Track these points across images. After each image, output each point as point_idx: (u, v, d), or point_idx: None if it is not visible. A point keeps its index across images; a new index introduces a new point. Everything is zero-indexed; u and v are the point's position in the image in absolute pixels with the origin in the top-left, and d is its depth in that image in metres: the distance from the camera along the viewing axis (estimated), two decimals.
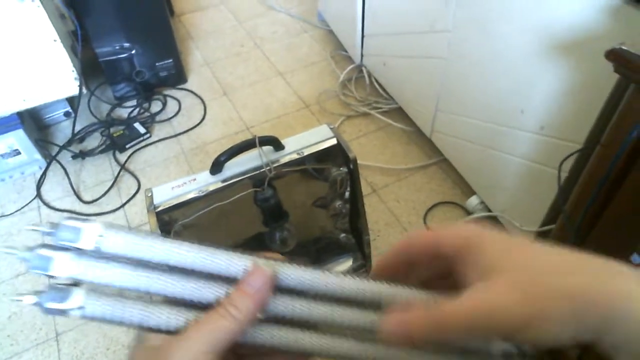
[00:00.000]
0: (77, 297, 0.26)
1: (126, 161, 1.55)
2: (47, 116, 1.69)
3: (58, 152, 1.54)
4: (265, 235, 1.01)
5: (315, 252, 1.08)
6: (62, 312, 0.25)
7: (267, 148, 0.90)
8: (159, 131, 1.65)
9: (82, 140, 1.63)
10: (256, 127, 1.63)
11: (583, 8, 0.79)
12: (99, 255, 0.26)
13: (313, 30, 2.03)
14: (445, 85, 1.28)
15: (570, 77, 0.88)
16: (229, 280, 0.27)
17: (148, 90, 1.79)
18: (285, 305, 0.28)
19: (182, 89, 1.80)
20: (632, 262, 0.71)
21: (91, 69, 1.71)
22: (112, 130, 1.63)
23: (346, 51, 1.83)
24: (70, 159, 1.56)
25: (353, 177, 0.96)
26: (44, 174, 1.53)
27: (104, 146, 1.59)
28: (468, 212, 1.30)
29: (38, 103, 1.44)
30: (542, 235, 1.07)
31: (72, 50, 1.49)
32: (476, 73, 1.14)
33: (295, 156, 0.90)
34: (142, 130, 1.62)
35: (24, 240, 1.36)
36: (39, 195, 1.47)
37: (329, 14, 1.94)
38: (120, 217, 1.40)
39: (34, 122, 1.64)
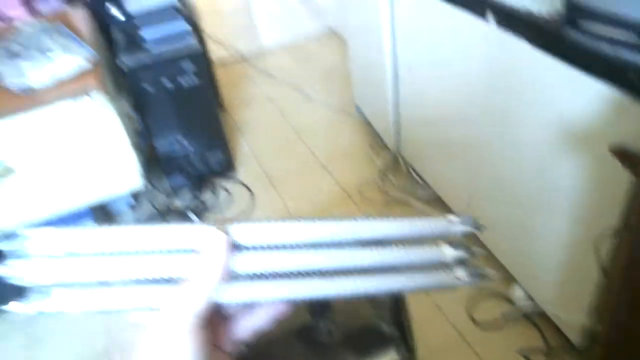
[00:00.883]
0: (57, 295, 0.29)
1: None
2: (114, 208, 1.83)
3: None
4: (311, 326, 1.04)
5: (361, 343, 1.10)
6: (45, 312, 0.29)
7: None
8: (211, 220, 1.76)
9: None
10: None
11: (591, 103, 0.85)
12: (66, 254, 0.29)
13: (352, 121, 2.16)
14: (478, 173, 1.34)
15: (591, 166, 0.91)
16: (188, 252, 0.30)
17: (200, 180, 1.93)
18: (249, 262, 0.30)
19: (231, 179, 1.94)
20: None
21: (150, 162, 1.88)
22: (168, 220, 1.75)
23: (383, 140, 1.94)
24: None
25: None
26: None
27: None
28: (512, 303, 1.29)
29: (108, 196, 1.58)
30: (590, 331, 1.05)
31: (137, 147, 1.66)
32: (506, 161, 1.20)
33: None
34: (195, 219, 1.73)
35: (92, 323, 1.45)
36: None
37: (365, 106, 2.08)
38: None
39: (102, 214, 1.78)
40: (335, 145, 2.04)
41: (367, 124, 2.08)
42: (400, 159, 1.81)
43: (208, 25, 2.30)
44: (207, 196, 1.87)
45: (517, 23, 1.00)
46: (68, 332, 1.44)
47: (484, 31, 1.10)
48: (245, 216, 1.75)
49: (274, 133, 2.17)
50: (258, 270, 0.31)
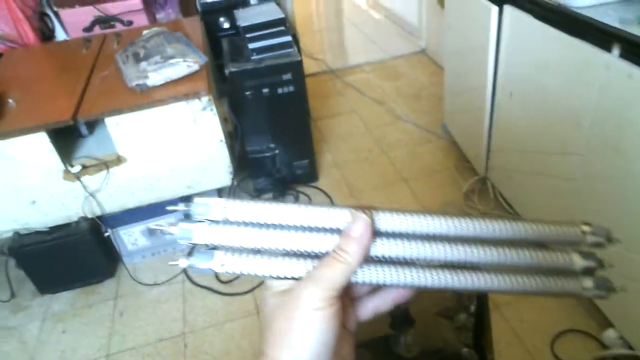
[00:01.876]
0: (219, 257, 0.32)
1: None
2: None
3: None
4: (390, 338, 1.04)
5: None
6: (209, 270, 0.32)
7: None
8: None
9: None
10: None
11: None
12: (227, 222, 0.32)
13: (437, 141, 2.15)
14: (576, 206, 1.27)
15: None
16: (333, 231, 0.32)
17: (283, 185, 2.00)
18: (384, 247, 0.32)
19: (313, 186, 1.99)
20: None
21: (239, 163, 1.99)
22: None
23: (470, 163, 1.90)
24: None
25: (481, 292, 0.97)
26: (191, 252, 1.75)
27: None
28: (604, 346, 1.21)
29: (199, 190, 1.70)
30: None
31: (230, 148, 1.77)
32: (612, 196, 1.13)
33: None
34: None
35: (170, 309, 1.55)
36: (185, 270, 1.68)
37: (453, 127, 2.05)
38: (250, 300, 1.53)
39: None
40: (418, 163, 2.03)
41: (454, 145, 2.05)
42: (488, 183, 1.76)
43: (302, 41, 2.40)
44: (288, 201, 1.93)
45: None
46: (149, 312, 1.55)
47: (605, 62, 1.06)
48: None
49: (358, 145, 2.20)
50: (392, 255, 0.33)
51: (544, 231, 0.34)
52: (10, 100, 1.50)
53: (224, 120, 1.90)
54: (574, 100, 1.19)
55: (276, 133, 1.92)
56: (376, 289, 0.36)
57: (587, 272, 0.35)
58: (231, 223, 0.33)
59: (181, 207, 0.33)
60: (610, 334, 1.19)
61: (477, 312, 1.06)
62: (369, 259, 0.33)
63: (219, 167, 1.68)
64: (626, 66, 1.00)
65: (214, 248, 0.33)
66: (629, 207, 1.08)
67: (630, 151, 1.04)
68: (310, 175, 2.02)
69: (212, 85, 1.71)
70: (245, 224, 0.33)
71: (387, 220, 0.33)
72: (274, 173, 1.99)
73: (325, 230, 0.33)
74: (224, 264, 0.32)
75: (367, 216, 0.32)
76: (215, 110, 1.58)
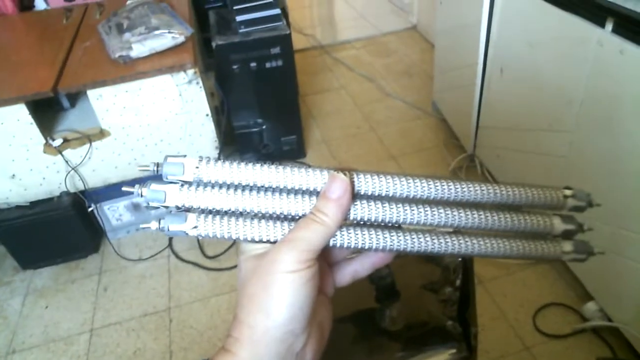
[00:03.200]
0: (191, 219, 0.31)
1: None
2: None
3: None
4: (375, 311, 1.05)
5: (421, 336, 1.09)
6: (181, 233, 0.31)
7: None
8: None
9: None
10: None
11: None
12: (200, 183, 0.31)
13: (427, 118, 2.13)
14: (564, 183, 1.27)
15: None
16: (310, 193, 0.31)
17: (272, 161, 1.98)
18: (364, 209, 0.31)
19: (300, 162, 1.98)
20: None
21: (226, 138, 1.96)
22: None
23: (458, 140, 1.90)
24: None
25: (467, 265, 0.98)
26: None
27: None
28: (584, 318, 1.23)
29: None
30: None
31: (216, 123, 1.74)
32: (600, 173, 1.13)
33: None
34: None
35: (155, 284, 1.54)
36: (170, 245, 1.67)
37: (443, 104, 2.04)
38: (236, 275, 1.53)
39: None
40: (407, 139, 2.02)
41: (443, 123, 2.04)
42: (476, 161, 1.76)
43: (292, 16, 2.35)
44: None
45: None
46: (134, 287, 1.54)
47: (598, 37, 1.04)
48: None
49: (346, 122, 2.19)
50: (372, 218, 0.32)
51: (525, 195, 0.34)
52: None
53: (210, 95, 1.87)
54: (566, 77, 1.19)
55: (264, 108, 1.89)
56: (355, 253, 0.35)
57: (567, 235, 0.34)
58: (205, 184, 0.31)
59: (151, 167, 0.31)
60: (590, 307, 1.21)
61: (462, 285, 1.06)
62: (348, 222, 0.32)
63: (205, 142, 1.65)
64: (618, 41, 0.99)
65: (187, 210, 0.31)
66: (617, 184, 1.08)
67: (620, 128, 1.04)
68: (298, 151, 2.00)
69: (199, 58, 1.67)
70: (220, 185, 0.31)
71: (367, 182, 0.32)
72: (261, 149, 1.97)
73: (302, 192, 0.32)
74: (197, 226, 0.31)
75: (346, 177, 0.30)
76: (201, 84, 1.54)
